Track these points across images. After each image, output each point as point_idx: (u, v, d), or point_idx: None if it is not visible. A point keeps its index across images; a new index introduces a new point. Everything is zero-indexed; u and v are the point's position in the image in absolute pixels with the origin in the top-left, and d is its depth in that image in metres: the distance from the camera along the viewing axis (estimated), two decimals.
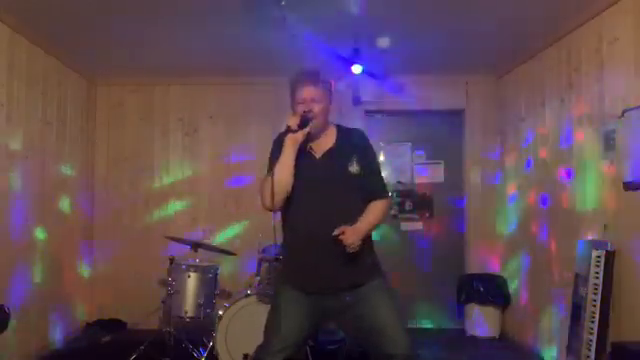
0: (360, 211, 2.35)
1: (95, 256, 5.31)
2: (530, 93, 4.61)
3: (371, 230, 2.37)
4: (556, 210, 4.10)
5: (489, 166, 5.35)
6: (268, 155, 2.46)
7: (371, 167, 2.44)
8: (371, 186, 2.41)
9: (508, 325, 4.99)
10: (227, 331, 3.74)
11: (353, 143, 2.43)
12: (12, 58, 3.85)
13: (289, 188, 2.31)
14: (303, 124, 2.31)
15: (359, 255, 2.30)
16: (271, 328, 2.35)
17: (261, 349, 2.35)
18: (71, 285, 4.85)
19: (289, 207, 2.39)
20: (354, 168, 2.36)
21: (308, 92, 2.35)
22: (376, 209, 2.38)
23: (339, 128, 2.48)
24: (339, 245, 2.22)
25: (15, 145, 3.92)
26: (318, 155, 2.40)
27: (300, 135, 2.31)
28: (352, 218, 2.29)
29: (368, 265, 2.38)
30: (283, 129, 2.38)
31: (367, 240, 2.37)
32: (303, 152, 2.37)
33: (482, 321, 4.97)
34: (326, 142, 2.42)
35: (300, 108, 2.35)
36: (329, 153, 2.39)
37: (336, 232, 2.20)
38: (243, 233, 5.30)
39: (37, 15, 3.76)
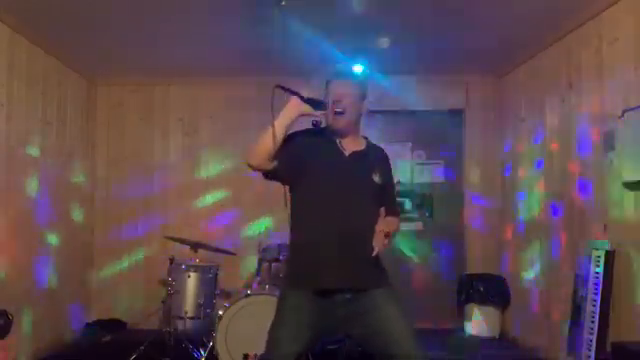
0: (375, 217, 2.31)
1: (95, 256, 5.31)
2: (530, 93, 4.61)
3: (393, 233, 2.34)
4: (558, 210, 4.10)
5: (489, 166, 5.35)
6: None
7: (390, 183, 2.48)
8: (387, 200, 2.41)
9: (508, 325, 4.99)
10: (227, 331, 3.74)
11: (379, 156, 2.47)
12: (12, 58, 3.86)
13: (275, 146, 2.22)
14: (314, 103, 2.26)
15: (373, 257, 2.27)
16: (275, 336, 2.28)
17: (267, 355, 2.31)
18: (71, 285, 4.85)
19: (307, 198, 2.32)
20: (377, 178, 2.37)
21: (340, 87, 2.33)
22: (393, 221, 2.38)
23: (368, 141, 2.50)
24: (362, 242, 2.20)
25: (15, 145, 3.92)
26: (347, 152, 2.36)
27: (306, 107, 2.25)
28: (368, 220, 2.25)
29: (379, 269, 2.34)
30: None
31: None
32: (333, 145, 2.35)
33: (482, 321, 4.97)
34: (355, 145, 2.41)
35: (335, 101, 2.31)
36: (358, 154, 2.38)
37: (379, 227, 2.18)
38: (243, 233, 5.31)
39: (37, 15, 3.76)
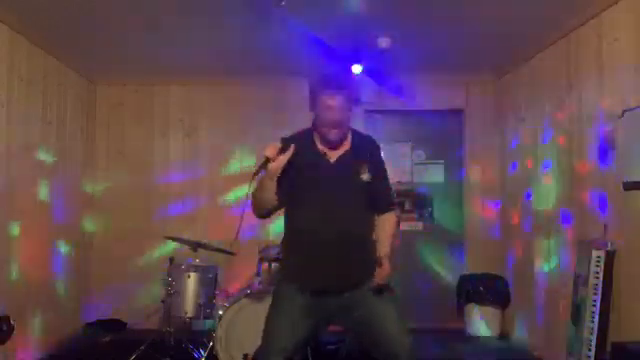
0: (366, 217, 2.42)
1: (95, 256, 5.31)
2: (530, 93, 4.61)
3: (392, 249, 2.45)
4: (558, 211, 4.10)
5: (489, 166, 5.35)
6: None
7: (381, 176, 2.48)
8: (380, 194, 2.46)
9: (508, 325, 4.99)
10: (227, 331, 3.74)
11: (366, 151, 2.46)
12: (12, 58, 3.85)
13: (274, 204, 2.38)
14: (285, 149, 2.30)
15: (363, 256, 2.35)
16: (271, 329, 2.34)
17: (262, 350, 2.34)
18: (71, 285, 4.85)
19: (297, 206, 2.39)
20: (365, 176, 2.38)
21: (330, 100, 2.30)
22: (391, 227, 2.47)
23: (353, 133, 2.48)
24: (352, 242, 2.33)
25: (15, 145, 3.92)
26: (333, 159, 2.39)
27: (282, 158, 2.29)
28: (359, 223, 2.37)
29: (370, 266, 2.39)
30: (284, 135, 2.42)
31: (370, 242, 2.44)
32: (318, 156, 2.38)
33: (482, 321, 4.97)
34: (341, 146, 2.41)
35: (328, 115, 2.31)
36: (343, 157, 2.40)
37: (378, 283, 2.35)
38: (243, 233, 5.30)
39: (37, 15, 3.76)
